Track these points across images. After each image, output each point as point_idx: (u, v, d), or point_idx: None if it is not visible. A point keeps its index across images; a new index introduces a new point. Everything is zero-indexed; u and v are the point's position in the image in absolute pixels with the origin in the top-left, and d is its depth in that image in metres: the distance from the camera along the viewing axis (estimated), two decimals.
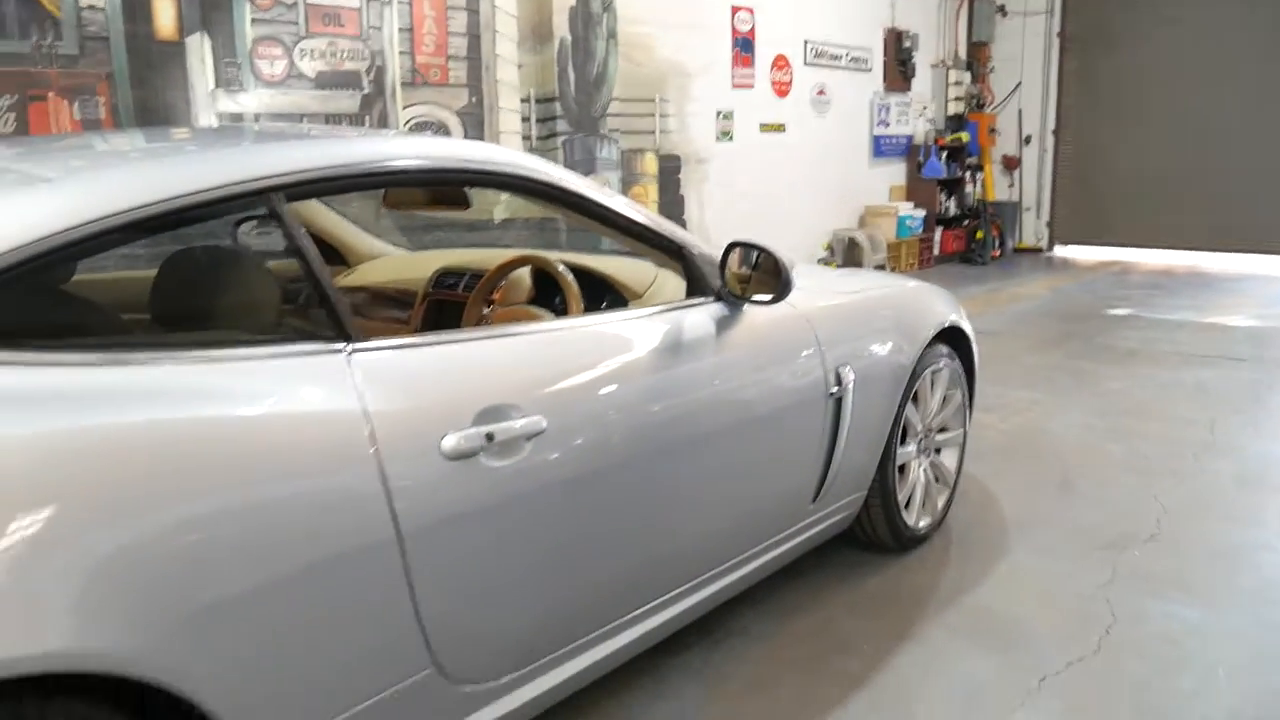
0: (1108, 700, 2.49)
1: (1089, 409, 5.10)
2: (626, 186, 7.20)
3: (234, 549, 1.45)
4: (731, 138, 8.28)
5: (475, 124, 6.15)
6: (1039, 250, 12.16)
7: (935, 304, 3.39)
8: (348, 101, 5.48)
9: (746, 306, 2.52)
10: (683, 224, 7.07)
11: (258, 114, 5.09)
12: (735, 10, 8.18)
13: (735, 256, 2.51)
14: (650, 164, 7.46)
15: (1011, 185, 12.14)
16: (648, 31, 7.27)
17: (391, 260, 3.52)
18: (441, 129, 5.95)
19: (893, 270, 9.68)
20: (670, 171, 7.64)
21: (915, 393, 3.22)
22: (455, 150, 2.13)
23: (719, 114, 8.14)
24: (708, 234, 7.68)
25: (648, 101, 7.39)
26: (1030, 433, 4.71)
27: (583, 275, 2.71)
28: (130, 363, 1.47)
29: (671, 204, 7.65)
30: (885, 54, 10.29)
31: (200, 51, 4.84)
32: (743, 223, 7.82)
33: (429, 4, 5.82)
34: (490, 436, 1.79)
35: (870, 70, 10.10)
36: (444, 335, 1.93)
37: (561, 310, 2.63)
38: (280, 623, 1.52)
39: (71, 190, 1.56)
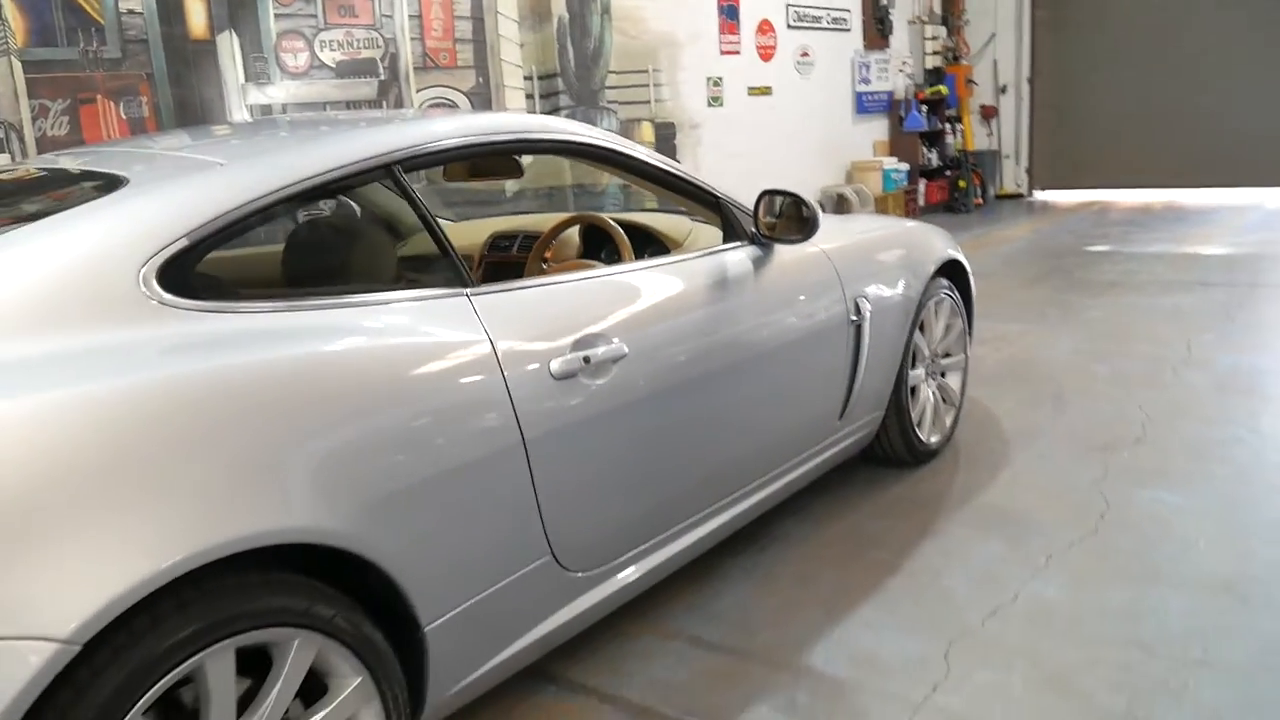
0: (1105, 568, 2.89)
1: (1076, 336, 5.51)
2: None
3: (408, 450, 1.82)
4: (722, 103, 8.61)
5: (483, 103, 6.47)
6: (1020, 196, 12.55)
7: (935, 241, 3.76)
8: (366, 88, 5.80)
9: (777, 246, 2.89)
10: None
11: (285, 104, 5.40)
12: None
13: (764, 205, 2.88)
14: (647, 132, 7.79)
15: (990, 134, 12.50)
16: (638, 5, 7.58)
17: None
18: (453, 108, 6.27)
19: None
20: (666, 138, 7.97)
21: (921, 322, 3.61)
22: (530, 122, 2.49)
23: (709, 80, 8.47)
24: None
25: (642, 73, 7.71)
26: (1023, 360, 5.11)
27: (629, 230, 3.07)
28: (316, 308, 1.83)
29: None
30: (863, 13, 10.61)
31: (230, 49, 5.15)
32: (736, 183, 8.07)
33: None
34: (587, 360, 2.17)
35: (850, 30, 10.42)
36: (539, 280, 2.30)
37: (610, 262, 3.00)
38: (442, 511, 1.89)
39: (241, 172, 1.92)
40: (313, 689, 1.74)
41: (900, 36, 11.32)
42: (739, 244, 2.85)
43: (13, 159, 4.41)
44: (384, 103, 5.89)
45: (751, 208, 2.89)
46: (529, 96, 6.80)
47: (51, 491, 1.39)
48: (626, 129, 7.60)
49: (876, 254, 3.40)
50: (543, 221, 3.46)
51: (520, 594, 2.12)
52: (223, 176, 1.88)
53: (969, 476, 3.65)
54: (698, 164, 8.35)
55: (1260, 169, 11.15)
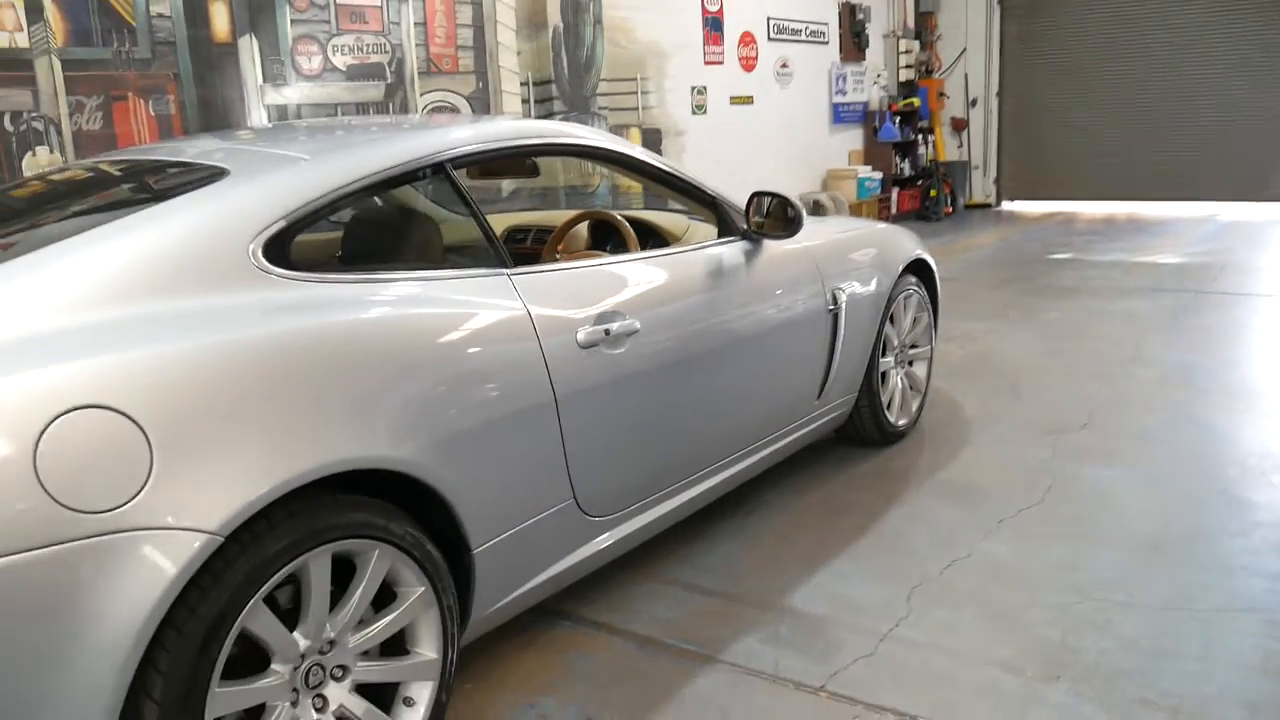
0: (1048, 530, 3.29)
1: (1034, 335, 5.93)
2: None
3: (465, 399, 2.18)
4: (705, 111, 9.00)
5: (482, 107, 6.82)
6: (988, 206, 13.03)
7: (904, 242, 4.16)
8: (374, 91, 6.13)
9: (765, 242, 3.27)
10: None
11: (299, 105, 5.73)
12: None
13: (754, 204, 3.26)
14: (635, 138, 8.16)
15: (960, 146, 12.98)
16: (628, 16, 7.95)
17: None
18: (454, 112, 6.62)
19: None
20: (653, 144, 8.34)
21: (891, 314, 4.00)
22: (556, 129, 2.86)
23: (693, 89, 8.86)
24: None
25: (630, 81, 8.09)
26: (985, 355, 5.53)
27: (633, 225, 3.44)
28: (387, 281, 2.19)
29: None
30: (840, 27, 11.05)
31: (250, 51, 5.48)
32: (718, 188, 8.53)
33: (440, 0, 6.47)
34: (607, 332, 2.54)
35: (827, 43, 10.85)
36: (566, 264, 2.67)
37: (615, 253, 3.36)
38: (490, 452, 2.25)
39: (323, 166, 2.27)
40: (381, 600, 2.09)
41: (876, 50, 11.77)
42: (732, 239, 3.23)
43: (51, 150, 4.72)
44: (390, 105, 6.23)
45: (743, 207, 3.26)
46: (525, 101, 7.16)
47: (197, 418, 1.74)
48: (616, 134, 7.95)
49: (852, 252, 3.79)
50: (552, 217, 3.83)
51: (547, 531, 2.48)
52: (309, 170, 2.24)
53: (932, 455, 4.05)
54: (682, 168, 8.71)
55: (1216, 184, 11.69)
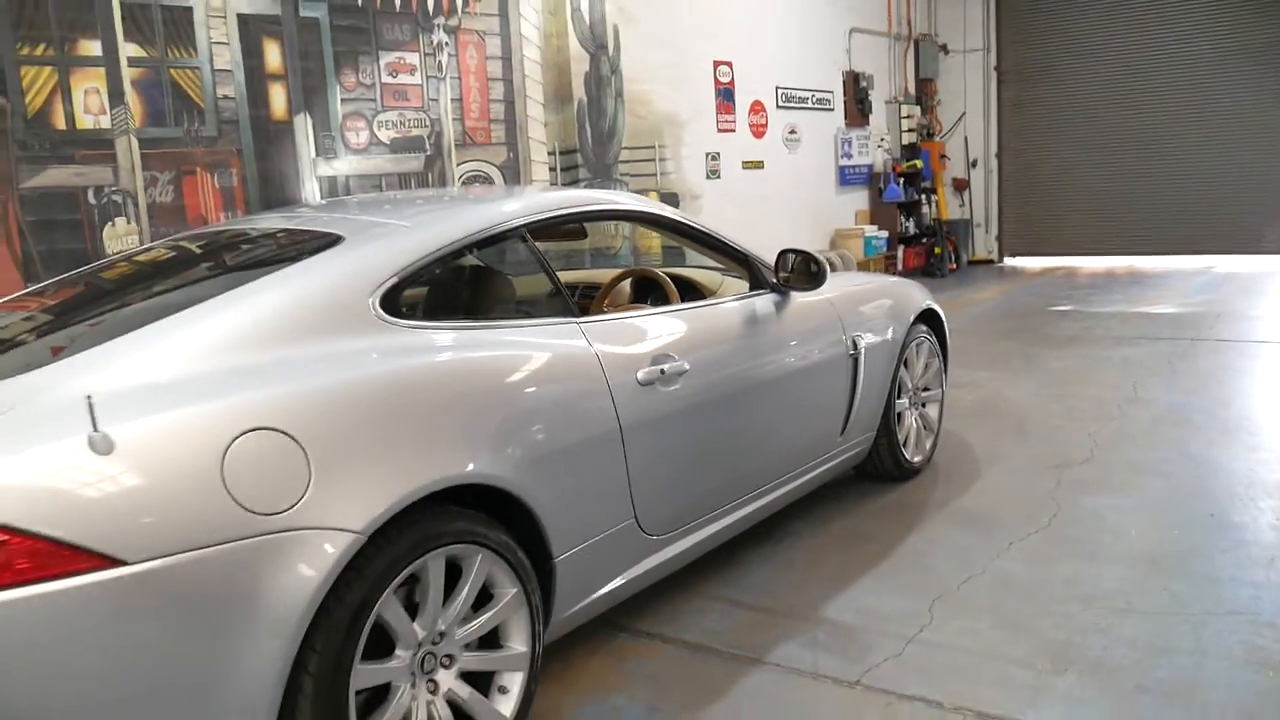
0: (1055, 551, 3.62)
1: (1038, 381, 6.30)
2: (634, 226, 8.33)
3: (548, 427, 2.56)
4: (719, 175, 9.48)
5: (513, 176, 7.28)
6: (991, 261, 13.47)
7: (915, 294, 4.55)
8: (415, 162, 6.59)
9: (792, 294, 3.66)
10: (682, 253, 8.19)
11: (347, 176, 6.18)
12: (717, 64, 9.40)
13: (782, 260, 3.65)
14: None
15: (962, 205, 13.46)
16: (647, 89, 8.46)
17: None
18: (488, 180, 7.08)
19: None
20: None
21: (905, 359, 4.37)
22: (607, 197, 3.27)
23: (708, 155, 9.34)
24: (703, 259, 8.84)
25: (649, 149, 8.57)
26: (992, 400, 5.89)
27: (673, 280, 3.84)
28: (481, 328, 2.58)
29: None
30: (845, 94, 11.58)
31: (305, 128, 5.94)
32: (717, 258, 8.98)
33: (474, 77, 6.96)
34: (663, 371, 2.91)
35: (833, 109, 11.38)
36: (626, 314, 3.06)
37: (657, 306, 3.75)
38: (568, 473, 2.61)
39: (422, 231, 2.67)
40: (478, 604, 2.44)
41: (879, 115, 12.30)
42: (763, 291, 3.62)
43: (129, 222, 5.15)
44: (430, 174, 6.69)
45: (771, 262, 3.66)
46: (551, 170, 7.62)
47: (343, 439, 2.11)
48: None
49: (869, 302, 4.17)
50: (594, 275, 4.23)
51: (613, 546, 2.83)
52: (412, 235, 2.64)
53: (946, 488, 4.39)
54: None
55: (1211, 237, 12.13)
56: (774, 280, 3.63)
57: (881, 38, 12.29)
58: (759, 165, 10.10)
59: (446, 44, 6.75)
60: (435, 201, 3.19)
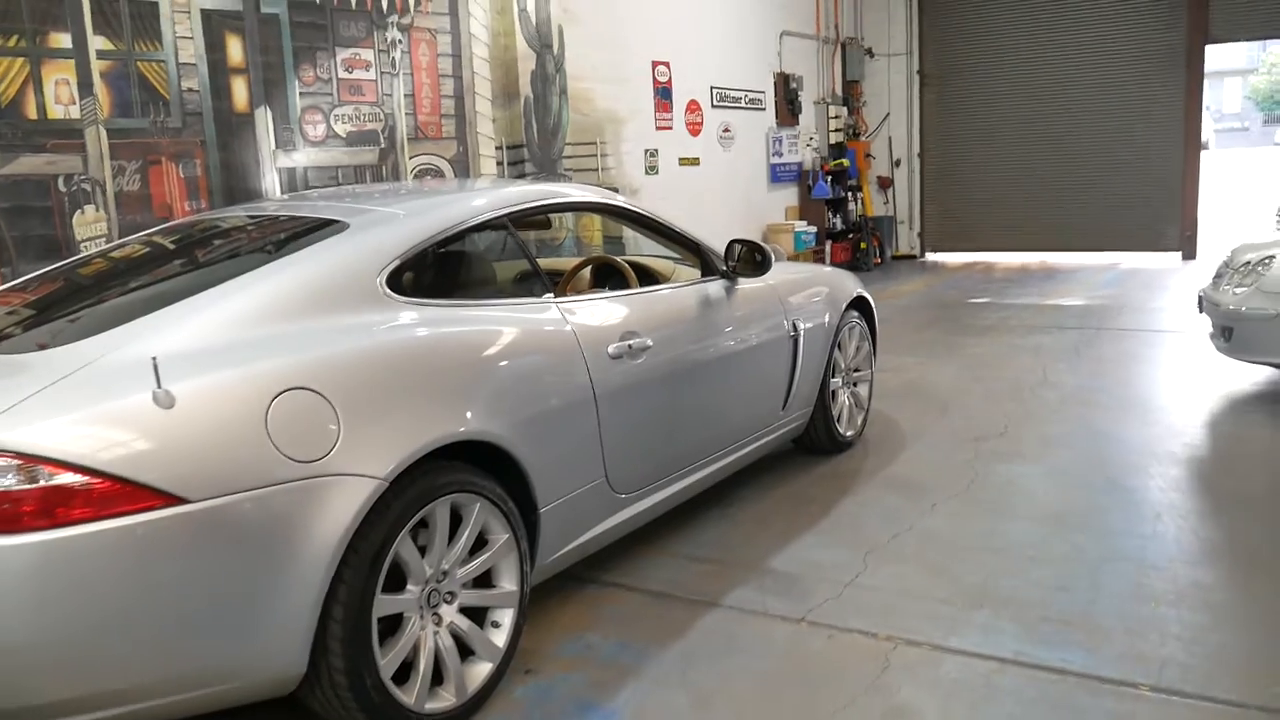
0: (972, 510, 4.06)
1: (958, 366, 6.79)
2: (577, 217, 8.65)
3: (533, 392, 2.89)
4: (657, 171, 9.84)
5: (462, 169, 7.54)
6: (914, 257, 14.08)
7: (847, 282, 4.96)
8: (369, 155, 6.82)
9: (741, 280, 4.03)
10: (620, 243, 8.52)
11: (305, 168, 6.40)
12: (655, 64, 9.76)
13: (731, 249, 4.02)
14: None
15: (887, 202, 14.04)
16: (589, 86, 8.78)
17: None
18: (439, 174, 7.34)
19: None
20: None
21: (839, 342, 4.78)
22: (578, 191, 3.61)
23: (646, 152, 9.70)
24: (640, 248, 9.20)
25: (591, 144, 8.89)
26: (916, 382, 6.35)
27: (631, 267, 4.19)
28: (471, 305, 2.90)
29: (612, 227, 9.13)
30: (776, 95, 12.04)
31: (265, 121, 6.14)
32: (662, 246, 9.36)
33: (425, 74, 7.21)
34: (630, 347, 3.26)
35: (765, 109, 11.82)
36: (595, 295, 3.40)
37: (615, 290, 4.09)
38: (551, 434, 2.95)
39: (418, 219, 2.98)
40: (475, 547, 2.76)
41: (808, 115, 12.79)
42: (714, 277, 3.99)
43: (97, 209, 5.31)
44: (384, 167, 6.92)
45: (721, 251, 4.02)
46: (499, 164, 7.90)
47: (365, 399, 2.42)
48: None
49: (807, 289, 4.57)
50: (557, 263, 4.56)
51: (587, 502, 3.18)
52: (408, 222, 2.95)
53: (877, 458, 4.82)
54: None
55: (1117, 235, 12.86)
56: (723, 268, 4.00)
57: (810, 40, 12.77)
58: (695, 162, 10.49)
59: (400, 41, 7.00)
60: (421, 193, 3.49)
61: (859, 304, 5.01)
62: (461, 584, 2.71)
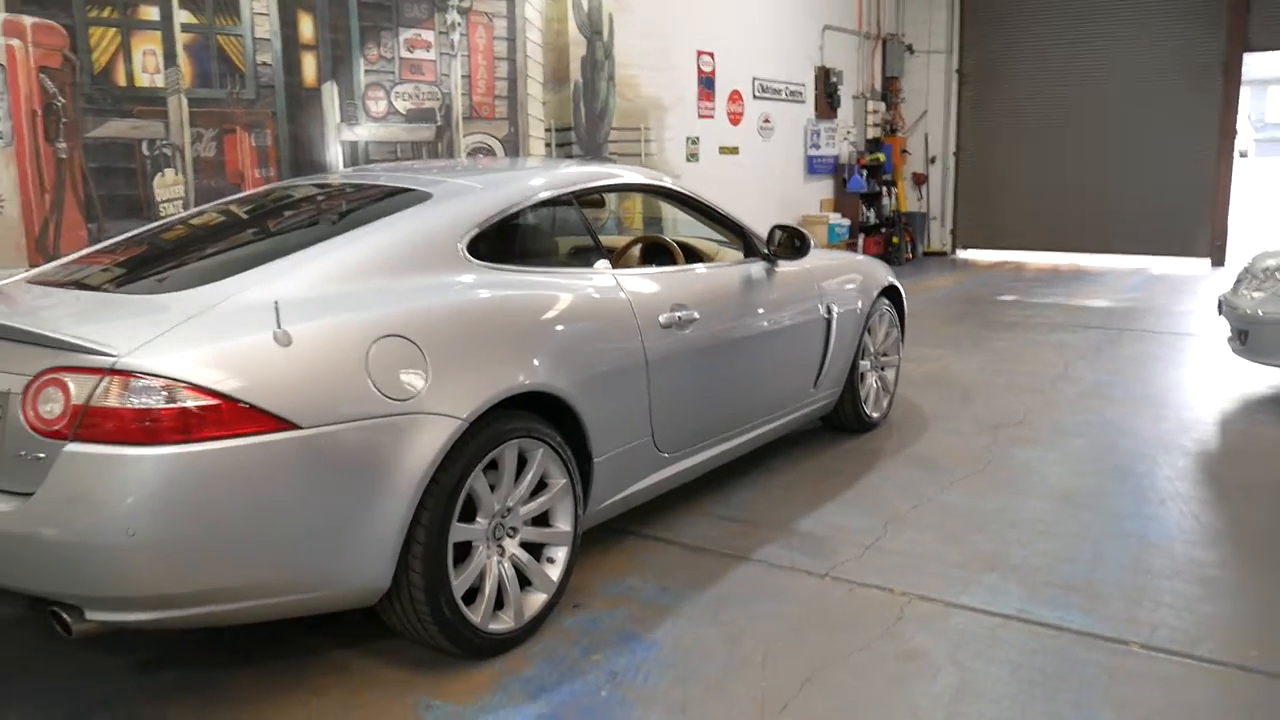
0: (988, 488, 4.34)
1: (982, 358, 7.04)
2: (620, 198, 8.94)
3: (593, 352, 3.19)
4: (698, 159, 10.11)
5: (513, 149, 7.85)
6: (944, 253, 14.28)
7: (880, 271, 5.24)
8: (426, 132, 7.14)
9: (780, 263, 4.32)
10: (660, 225, 8.79)
11: (366, 141, 6.72)
12: (700, 54, 10.02)
13: (773, 234, 4.30)
14: None
15: (920, 198, 14.24)
16: (635, 73, 9.06)
17: None
18: (490, 152, 7.65)
19: None
20: None
21: (869, 326, 5.05)
22: (628, 172, 3.90)
23: (688, 139, 9.97)
24: (678, 231, 9.48)
25: (635, 130, 9.17)
26: (942, 372, 6.62)
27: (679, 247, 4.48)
28: (541, 271, 3.21)
29: (652, 208, 9.42)
30: (816, 88, 12.26)
31: (331, 95, 6.47)
32: (704, 228, 9.63)
33: (481, 56, 7.52)
34: (679, 318, 3.56)
35: (804, 102, 12.06)
36: (650, 270, 3.70)
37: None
38: (607, 392, 3.25)
39: (493, 192, 3.29)
40: (535, 491, 3.07)
41: (846, 109, 13.01)
42: (755, 259, 4.27)
43: (176, 173, 5.66)
44: (439, 144, 7.24)
45: (764, 235, 4.31)
46: (547, 145, 8.20)
47: (450, 347, 2.74)
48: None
49: (842, 275, 4.85)
50: (608, 241, 4.85)
51: (635, 457, 3.48)
52: (485, 194, 3.26)
53: (900, 439, 5.10)
54: (675, 209, 9.79)
55: (1148, 239, 13.01)
56: (765, 251, 4.29)
57: (852, 36, 12.98)
58: (734, 151, 10.75)
59: (459, 24, 7.30)
60: (494, 169, 3.80)
61: (890, 292, 5.28)
62: (524, 521, 3.02)
